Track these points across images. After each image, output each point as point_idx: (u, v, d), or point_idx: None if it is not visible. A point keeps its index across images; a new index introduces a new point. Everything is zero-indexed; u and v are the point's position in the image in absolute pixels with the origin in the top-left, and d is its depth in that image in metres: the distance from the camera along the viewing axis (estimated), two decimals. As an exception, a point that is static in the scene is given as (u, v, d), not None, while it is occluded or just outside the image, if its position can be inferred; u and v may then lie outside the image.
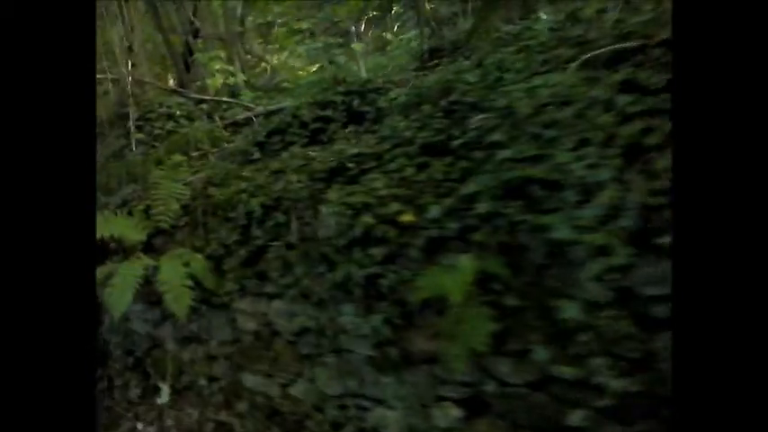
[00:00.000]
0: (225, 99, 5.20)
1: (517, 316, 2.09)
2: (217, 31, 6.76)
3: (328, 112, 3.46)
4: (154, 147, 4.36)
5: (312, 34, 8.72)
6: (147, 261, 3.28)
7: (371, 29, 9.30)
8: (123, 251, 3.84)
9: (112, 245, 3.89)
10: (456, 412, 2.40)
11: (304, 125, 3.48)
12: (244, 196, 3.02)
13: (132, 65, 4.69)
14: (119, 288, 3.11)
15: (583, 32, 2.84)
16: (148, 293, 3.77)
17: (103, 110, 4.72)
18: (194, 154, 3.98)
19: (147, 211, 3.62)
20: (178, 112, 4.58)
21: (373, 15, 8.75)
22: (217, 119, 4.68)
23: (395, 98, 3.25)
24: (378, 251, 2.41)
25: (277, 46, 9.16)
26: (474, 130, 2.31)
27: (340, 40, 8.52)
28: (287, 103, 4.44)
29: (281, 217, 2.83)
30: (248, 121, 4.57)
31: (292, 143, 3.36)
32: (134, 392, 3.88)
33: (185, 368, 3.63)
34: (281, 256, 2.85)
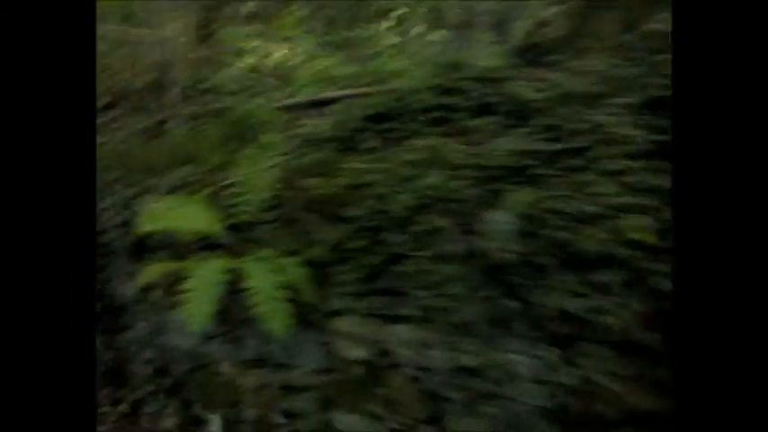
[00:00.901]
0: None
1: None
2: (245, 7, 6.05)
3: (454, 100, 2.88)
4: (199, 124, 3.63)
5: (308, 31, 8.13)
6: (226, 263, 2.58)
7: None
8: (170, 247, 3.11)
9: (154, 238, 3.14)
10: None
11: (422, 112, 2.88)
12: (379, 190, 2.38)
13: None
14: (197, 296, 2.40)
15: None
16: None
17: (136, 74, 3.95)
18: (263, 137, 3.30)
19: (212, 199, 2.92)
20: (230, 87, 3.87)
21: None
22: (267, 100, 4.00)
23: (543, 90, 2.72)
24: (602, 277, 1.85)
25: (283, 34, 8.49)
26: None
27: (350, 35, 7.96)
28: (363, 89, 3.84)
29: (436, 221, 2.22)
30: (315, 105, 3.93)
31: (416, 132, 2.76)
32: (169, 422, 3.12)
33: (246, 398, 2.92)
34: (428, 271, 2.24)
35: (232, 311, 2.92)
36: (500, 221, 2.13)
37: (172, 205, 2.62)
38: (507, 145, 2.35)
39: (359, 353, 2.55)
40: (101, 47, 4.27)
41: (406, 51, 7.03)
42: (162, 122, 3.66)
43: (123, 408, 3.27)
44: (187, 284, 2.44)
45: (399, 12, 8.70)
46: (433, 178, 2.31)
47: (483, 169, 2.27)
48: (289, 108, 3.98)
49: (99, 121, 4.09)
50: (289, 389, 2.77)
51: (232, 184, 3.00)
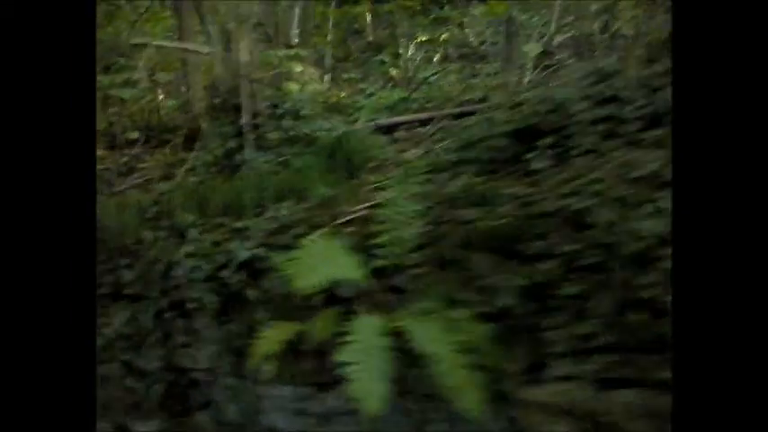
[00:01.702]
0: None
1: None
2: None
3: (615, 110, 2.42)
4: (280, 154, 3.06)
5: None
6: (382, 321, 1.99)
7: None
8: (268, 303, 2.49)
9: (247, 293, 2.52)
10: None
11: (580, 124, 2.41)
12: (593, 218, 1.85)
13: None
14: (365, 369, 1.80)
15: None
16: (304, 368, 2.46)
17: (198, 98, 3.38)
18: (371, 165, 2.76)
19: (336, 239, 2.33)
20: (303, 111, 3.32)
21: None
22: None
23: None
24: None
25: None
26: None
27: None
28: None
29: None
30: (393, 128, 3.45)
31: (590, 147, 2.27)
32: None
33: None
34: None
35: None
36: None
37: (311, 251, 2.03)
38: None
39: (562, 429, 1.97)
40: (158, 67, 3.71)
41: (437, 77, 6.63)
42: (232, 153, 3.07)
43: None
44: (347, 354, 1.84)
45: (409, 42, 8.39)
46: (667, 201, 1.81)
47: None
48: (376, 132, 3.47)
49: (155, 153, 3.48)
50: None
51: (352, 221, 2.43)
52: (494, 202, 2.21)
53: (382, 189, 2.44)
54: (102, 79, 4.01)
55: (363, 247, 2.28)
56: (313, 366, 2.42)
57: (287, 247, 2.46)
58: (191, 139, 3.39)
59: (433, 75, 5.52)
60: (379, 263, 2.20)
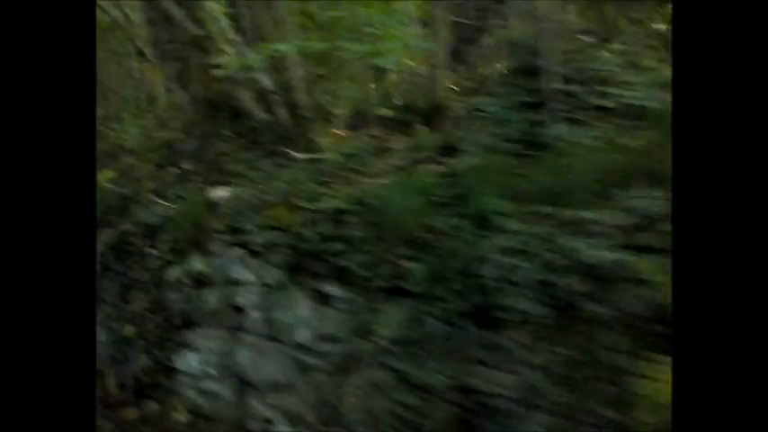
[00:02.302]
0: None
1: None
2: None
3: None
4: (598, 128, 2.39)
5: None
6: None
7: None
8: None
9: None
10: None
11: None
12: None
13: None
14: None
15: None
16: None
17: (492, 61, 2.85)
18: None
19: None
20: (614, 73, 2.62)
21: None
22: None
23: None
24: None
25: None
26: None
27: None
28: None
29: None
30: None
31: None
32: None
33: None
34: None
35: None
36: None
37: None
38: None
39: None
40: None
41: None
42: (536, 125, 2.48)
43: None
44: None
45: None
46: None
47: None
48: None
49: (411, 131, 3.04)
50: None
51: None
52: None
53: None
54: (351, 46, 3.71)
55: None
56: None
57: (652, 250, 1.79)
58: (451, 116, 2.87)
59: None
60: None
